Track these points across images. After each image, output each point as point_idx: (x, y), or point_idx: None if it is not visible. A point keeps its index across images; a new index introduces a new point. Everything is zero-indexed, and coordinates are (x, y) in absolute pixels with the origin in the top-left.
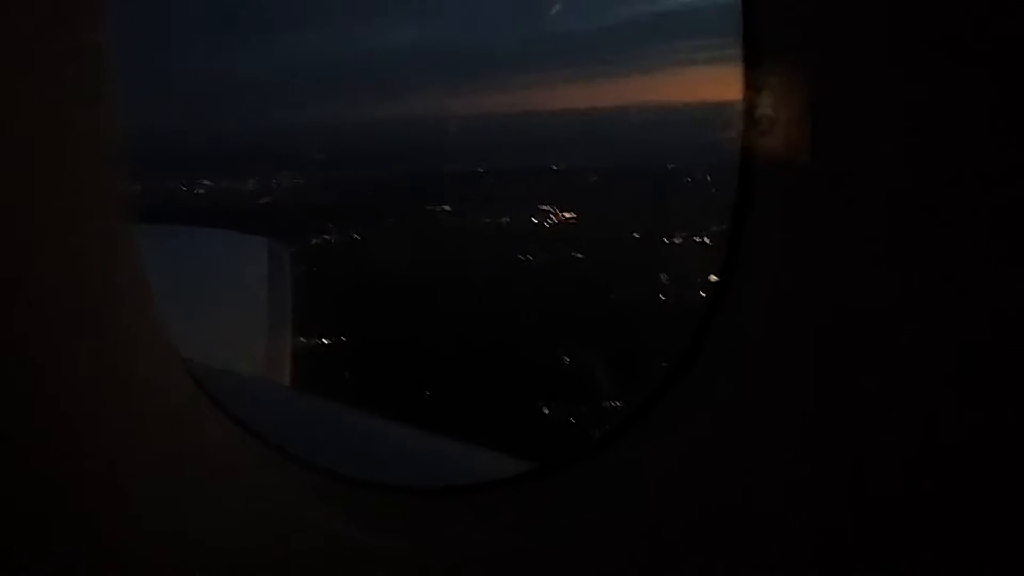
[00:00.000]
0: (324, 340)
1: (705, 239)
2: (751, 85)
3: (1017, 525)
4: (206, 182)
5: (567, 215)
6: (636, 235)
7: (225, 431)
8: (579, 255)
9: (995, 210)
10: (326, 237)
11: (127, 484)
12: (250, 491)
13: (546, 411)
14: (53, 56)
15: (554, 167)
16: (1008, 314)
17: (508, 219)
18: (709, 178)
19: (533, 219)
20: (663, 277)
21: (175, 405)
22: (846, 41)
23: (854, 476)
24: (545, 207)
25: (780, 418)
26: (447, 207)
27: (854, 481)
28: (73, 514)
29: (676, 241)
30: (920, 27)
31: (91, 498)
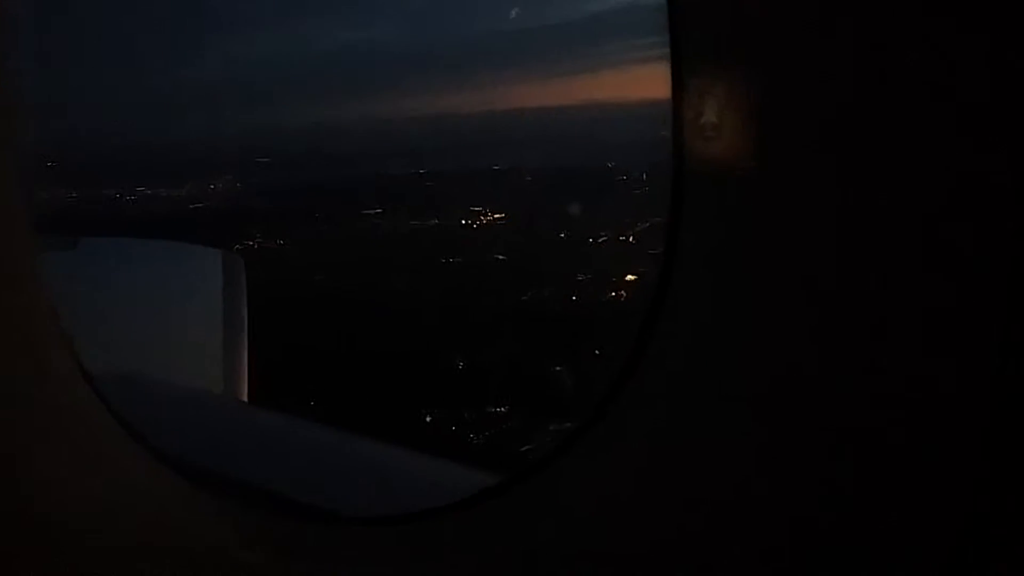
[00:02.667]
0: None
1: (630, 238)
2: (680, 85)
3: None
4: (141, 188)
5: (497, 216)
6: (562, 235)
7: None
8: (501, 257)
9: (928, 216)
10: (250, 243)
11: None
12: (162, 519)
13: (428, 419)
14: None
15: (496, 167)
16: (943, 316)
17: (437, 221)
18: (644, 176)
19: (463, 221)
20: (580, 277)
21: (84, 431)
22: (787, 48)
23: (797, 492)
24: (477, 208)
25: (719, 432)
26: (379, 210)
27: (797, 498)
28: None
29: (600, 240)
30: (859, 32)
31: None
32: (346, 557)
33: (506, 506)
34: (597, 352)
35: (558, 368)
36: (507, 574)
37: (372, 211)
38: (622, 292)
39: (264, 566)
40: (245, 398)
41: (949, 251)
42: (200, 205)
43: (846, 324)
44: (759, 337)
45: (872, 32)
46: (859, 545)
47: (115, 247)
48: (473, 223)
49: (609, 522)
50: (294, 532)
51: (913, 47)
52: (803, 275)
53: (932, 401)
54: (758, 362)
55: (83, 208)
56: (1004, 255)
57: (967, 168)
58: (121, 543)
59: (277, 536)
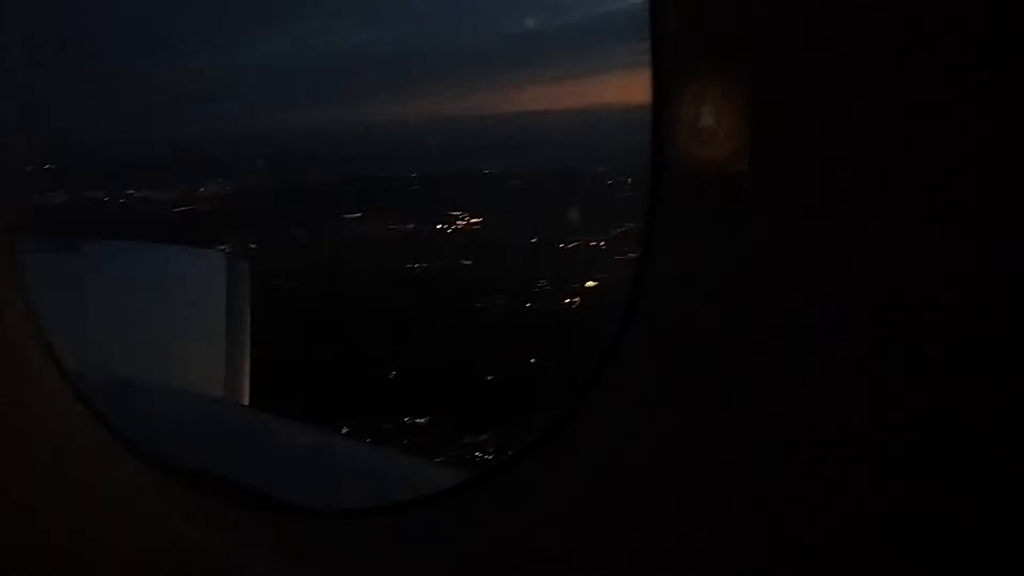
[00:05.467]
0: None
1: (601, 243)
2: (663, 88)
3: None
4: (130, 192)
5: (474, 220)
6: (533, 240)
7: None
8: (467, 262)
9: (921, 218)
10: (221, 247)
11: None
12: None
13: (345, 429)
14: None
15: (486, 171)
16: (937, 319)
17: (413, 225)
18: (630, 180)
19: (439, 225)
20: (541, 283)
21: (63, 433)
22: (782, 50)
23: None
24: (456, 212)
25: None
26: (358, 214)
27: (774, 503)
28: None
29: (571, 245)
30: (854, 34)
31: None
32: (321, 551)
33: (472, 501)
34: (532, 361)
35: (490, 378)
36: (472, 569)
37: (351, 215)
38: (576, 299)
39: (249, 565)
40: (246, 402)
41: (944, 254)
42: (186, 208)
43: (835, 329)
44: (742, 342)
45: (867, 36)
46: (842, 554)
47: (119, 250)
48: (448, 227)
49: (574, 521)
50: (282, 528)
51: (908, 50)
52: (793, 278)
53: (929, 408)
54: (738, 366)
55: (67, 210)
56: (1002, 259)
57: (964, 171)
58: (107, 544)
59: (266, 534)
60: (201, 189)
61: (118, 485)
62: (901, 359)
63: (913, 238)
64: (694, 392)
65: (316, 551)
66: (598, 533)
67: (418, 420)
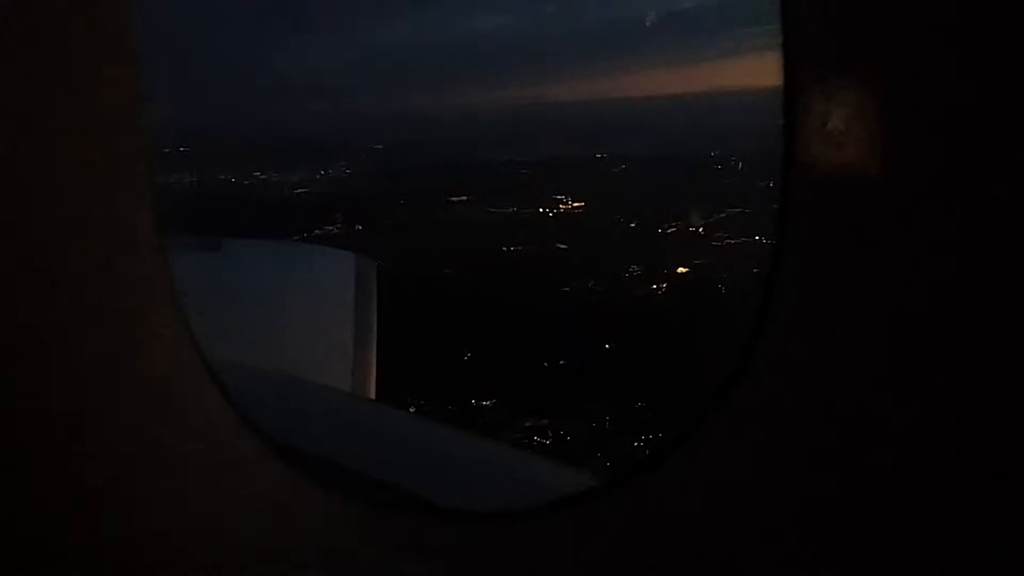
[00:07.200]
0: None
1: (700, 228)
2: (795, 86)
3: None
4: (256, 173)
5: (576, 204)
6: (633, 224)
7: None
8: (563, 246)
9: None
10: (329, 228)
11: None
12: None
13: (411, 410)
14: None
15: (599, 155)
16: None
17: (515, 209)
18: (740, 165)
19: (541, 209)
20: (633, 268)
21: (199, 415)
22: (916, 53)
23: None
24: (560, 196)
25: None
26: (464, 197)
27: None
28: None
29: (669, 231)
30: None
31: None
32: (466, 555)
33: (611, 505)
34: (607, 347)
35: (561, 363)
36: (615, 571)
37: (458, 198)
38: (663, 285)
39: (379, 564)
40: (372, 395)
41: None
42: (304, 191)
43: (967, 343)
44: (874, 348)
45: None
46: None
47: (256, 249)
48: (550, 211)
49: (717, 520)
50: (414, 528)
51: None
52: (923, 287)
53: None
54: (870, 384)
55: (193, 191)
56: None
57: None
58: (236, 543)
59: (396, 533)
60: (321, 172)
61: (261, 486)
62: None
63: None
64: (826, 409)
65: (460, 553)
66: (729, 537)
67: (484, 403)
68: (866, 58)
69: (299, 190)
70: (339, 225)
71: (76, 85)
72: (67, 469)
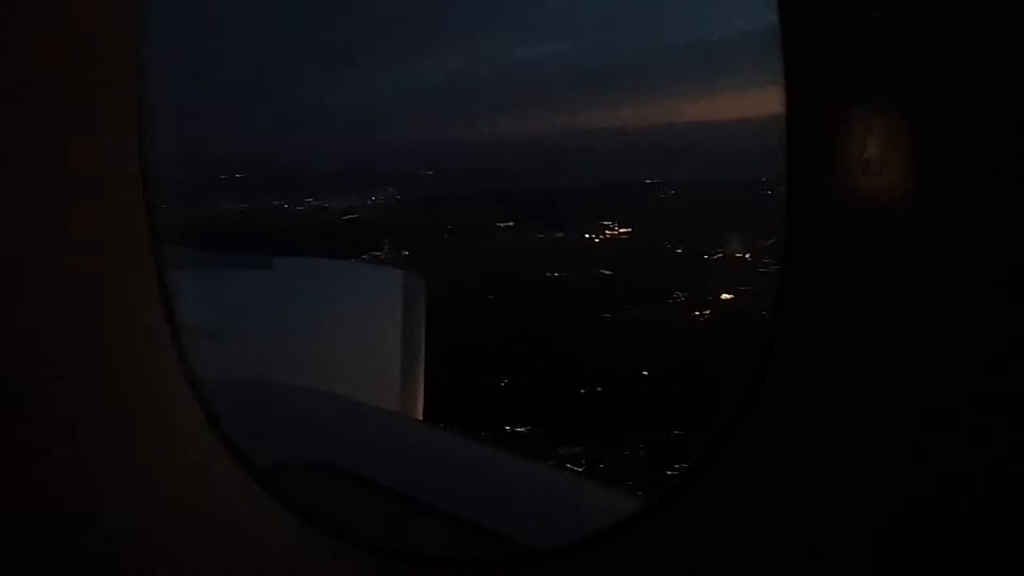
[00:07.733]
0: None
1: (746, 255)
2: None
3: None
4: (309, 200)
5: (622, 231)
6: (679, 251)
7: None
8: (607, 272)
9: None
10: (376, 253)
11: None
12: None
13: None
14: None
15: (648, 181)
16: None
17: (561, 235)
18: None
19: (587, 235)
20: (677, 295)
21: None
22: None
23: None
24: (606, 222)
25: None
26: (511, 223)
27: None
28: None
29: (716, 257)
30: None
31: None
32: None
33: (657, 529)
34: (644, 373)
35: (599, 389)
36: None
37: (505, 224)
38: (707, 312)
39: None
40: (420, 417)
41: None
42: (354, 216)
43: (1006, 371)
44: (908, 370)
45: None
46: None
47: (308, 267)
48: (595, 237)
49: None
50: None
51: None
52: (958, 311)
53: None
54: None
55: (245, 218)
56: None
57: None
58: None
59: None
60: (372, 199)
61: (239, 507)
62: None
63: None
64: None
65: None
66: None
67: (518, 429)
68: (866, 90)
69: (348, 216)
70: (386, 251)
71: (75, 87)
72: (50, 479)
